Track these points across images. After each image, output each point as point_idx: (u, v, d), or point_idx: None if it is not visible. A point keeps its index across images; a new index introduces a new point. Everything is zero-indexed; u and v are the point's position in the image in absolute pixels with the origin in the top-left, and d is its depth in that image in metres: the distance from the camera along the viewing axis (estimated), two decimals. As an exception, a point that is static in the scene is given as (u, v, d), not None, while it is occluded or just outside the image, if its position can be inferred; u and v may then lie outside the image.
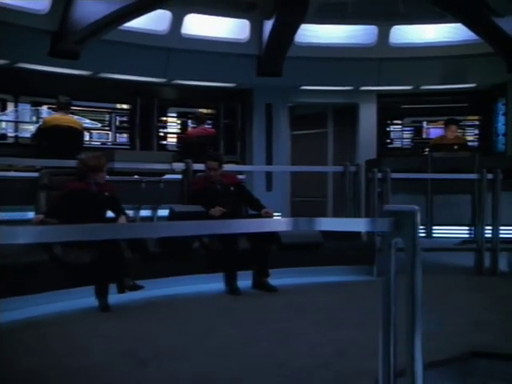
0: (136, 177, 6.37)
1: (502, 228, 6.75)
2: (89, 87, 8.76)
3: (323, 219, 2.66)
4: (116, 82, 8.86)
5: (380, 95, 9.93)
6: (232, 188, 6.13)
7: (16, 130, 8.55)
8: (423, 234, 7.75)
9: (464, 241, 7.28)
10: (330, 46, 9.15)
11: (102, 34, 7.57)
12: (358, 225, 2.67)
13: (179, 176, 6.43)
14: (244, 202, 6.25)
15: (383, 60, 9.28)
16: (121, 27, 7.74)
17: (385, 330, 2.50)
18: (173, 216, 5.51)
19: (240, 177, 8.30)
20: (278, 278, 5.84)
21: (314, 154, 10.55)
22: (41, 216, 5.00)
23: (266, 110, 9.58)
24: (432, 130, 9.89)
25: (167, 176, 6.74)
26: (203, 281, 5.70)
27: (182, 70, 8.81)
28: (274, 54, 8.77)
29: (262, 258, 5.73)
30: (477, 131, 9.93)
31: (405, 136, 10.16)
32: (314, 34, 9.09)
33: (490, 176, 6.72)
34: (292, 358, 3.51)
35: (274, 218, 6.33)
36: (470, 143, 9.55)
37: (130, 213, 6.54)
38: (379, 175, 6.78)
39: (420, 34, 9.16)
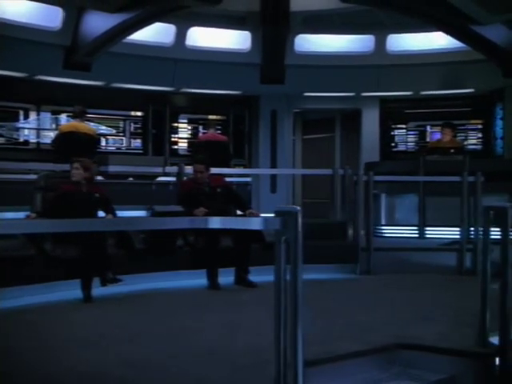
0: (130, 179, 6.87)
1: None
2: (104, 96, 9.36)
3: (219, 218, 3.04)
4: (129, 91, 9.42)
5: (384, 101, 10.15)
6: (219, 190, 6.51)
7: (38, 136, 9.23)
8: (416, 235, 7.99)
9: (453, 241, 7.45)
10: (330, 55, 9.45)
11: (110, 46, 8.15)
12: (252, 223, 3.04)
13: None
14: (231, 203, 6.63)
15: (382, 67, 9.53)
16: (129, 40, 8.30)
17: (276, 322, 2.84)
18: (154, 216, 5.95)
19: (246, 179, 8.74)
20: (262, 275, 6.13)
21: (323, 157, 10.86)
22: (33, 215, 5.44)
23: (271, 116, 9.96)
24: (435, 134, 10.03)
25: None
26: (187, 277, 6.09)
27: (188, 79, 9.29)
28: (272, 63, 9.14)
29: (242, 256, 6.10)
30: (480, 135, 10.02)
31: (409, 140, 10.35)
32: (315, 43, 9.41)
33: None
34: (228, 345, 3.78)
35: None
36: (473, 147, 9.67)
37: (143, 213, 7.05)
38: (364, 178, 7.05)
39: (417, 42, 9.37)
